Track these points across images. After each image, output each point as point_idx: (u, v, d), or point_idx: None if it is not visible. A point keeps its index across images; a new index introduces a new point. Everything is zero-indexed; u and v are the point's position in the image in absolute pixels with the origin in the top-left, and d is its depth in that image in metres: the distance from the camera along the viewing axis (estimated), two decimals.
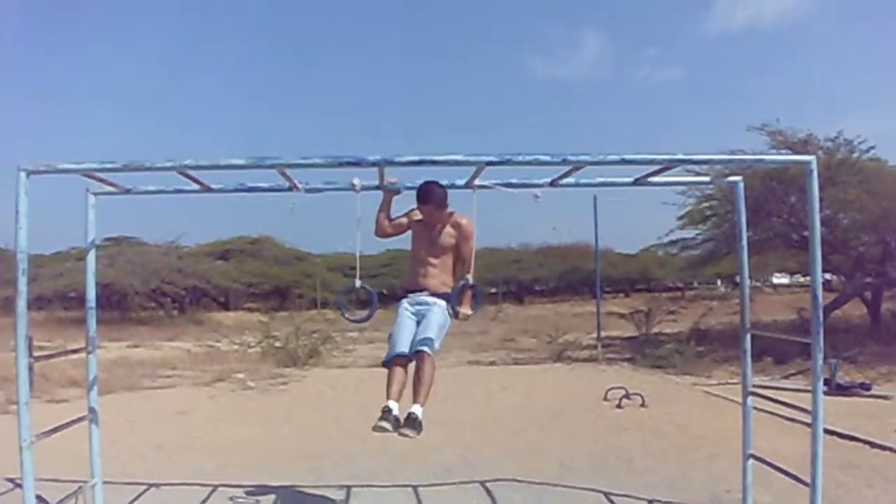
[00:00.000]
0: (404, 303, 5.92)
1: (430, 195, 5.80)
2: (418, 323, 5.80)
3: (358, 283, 5.82)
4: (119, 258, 38.56)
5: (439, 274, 5.94)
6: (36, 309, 34.70)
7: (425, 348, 5.60)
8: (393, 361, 5.66)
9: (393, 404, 5.43)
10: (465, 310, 5.83)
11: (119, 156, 5.08)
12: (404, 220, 6.11)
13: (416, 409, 5.41)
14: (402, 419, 5.36)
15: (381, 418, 5.32)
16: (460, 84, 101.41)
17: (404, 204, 6.16)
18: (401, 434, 5.33)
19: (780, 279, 43.36)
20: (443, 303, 5.85)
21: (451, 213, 5.97)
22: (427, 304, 5.84)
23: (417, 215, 6.03)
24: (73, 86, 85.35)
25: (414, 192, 5.93)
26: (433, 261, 5.92)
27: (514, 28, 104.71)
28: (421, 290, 5.90)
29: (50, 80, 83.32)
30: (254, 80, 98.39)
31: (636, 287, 60.29)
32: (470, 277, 5.77)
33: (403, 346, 5.67)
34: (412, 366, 5.67)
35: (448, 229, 5.93)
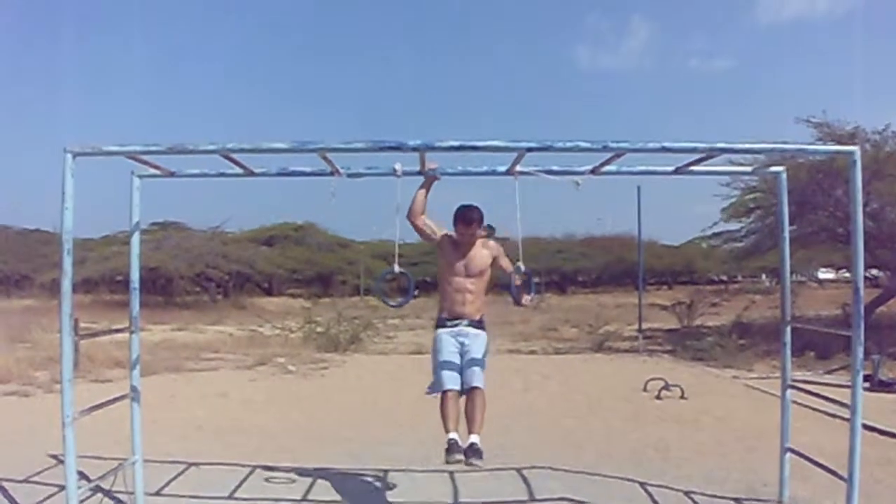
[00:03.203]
0: (445, 333, 5.92)
1: (473, 214, 5.88)
2: (461, 353, 5.82)
3: (397, 268, 5.83)
4: (165, 243, 39.03)
5: (475, 300, 5.99)
6: (83, 292, 35.36)
7: (479, 385, 5.66)
8: (445, 395, 5.67)
9: (454, 435, 5.47)
10: (527, 297, 5.88)
11: (162, 140, 5.13)
12: (437, 231, 6.09)
13: (476, 439, 5.45)
14: (464, 448, 5.41)
15: (451, 452, 5.36)
16: (505, 74, 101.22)
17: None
18: (469, 465, 5.40)
19: (825, 274, 42.62)
20: (484, 333, 5.97)
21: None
22: (469, 336, 5.88)
23: (449, 237, 6.04)
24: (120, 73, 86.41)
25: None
26: (471, 287, 5.95)
27: (561, 18, 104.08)
28: (460, 319, 5.93)
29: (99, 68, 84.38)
30: (298, 71, 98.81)
31: (680, 279, 59.91)
32: (522, 265, 5.77)
33: (454, 382, 5.68)
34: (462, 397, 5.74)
35: (482, 251, 5.99)
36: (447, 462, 5.38)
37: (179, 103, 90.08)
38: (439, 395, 5.71)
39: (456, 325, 5.91)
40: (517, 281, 5.79)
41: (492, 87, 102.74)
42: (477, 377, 5.68)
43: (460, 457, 5.31)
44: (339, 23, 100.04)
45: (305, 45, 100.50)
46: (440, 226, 6.12)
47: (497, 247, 6.09)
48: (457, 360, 5.78)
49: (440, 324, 6.00)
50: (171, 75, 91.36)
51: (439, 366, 5.79)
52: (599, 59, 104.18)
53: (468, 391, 5.67)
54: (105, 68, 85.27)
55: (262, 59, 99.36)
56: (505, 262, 6.07)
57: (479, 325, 5.98)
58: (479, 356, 5.81)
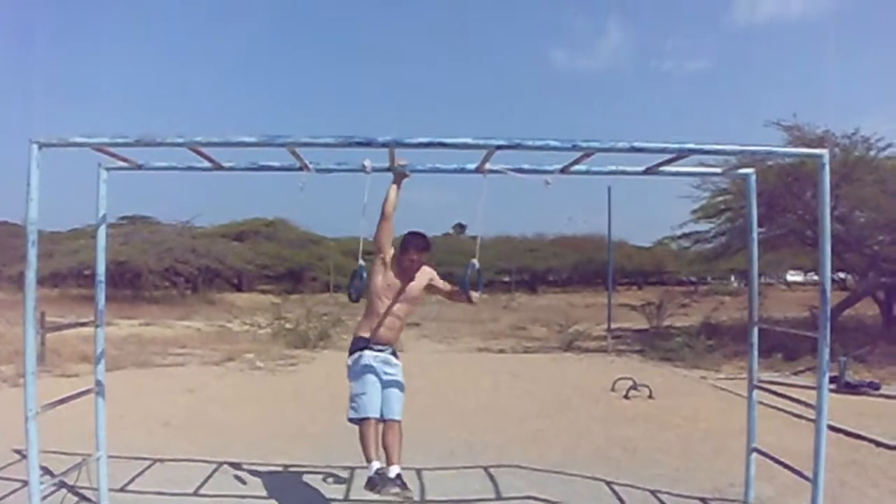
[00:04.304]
0: (370, 357, 5.76)
1: (427, 243, 5.88)
2: (382, 382, 5.69)
3: (361, 262, 5.71)
4: (134, 237, 38.75)
5: (401, 329, 5.97)
6: (51, 286, 35.02)
7: (398, 417, 5.63)
8: (367, 422, 5.52)
9: (380, 464, 5.33)
10: (475, 294, 5.78)
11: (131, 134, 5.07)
12: (392, 253, 5.85)
13: (399, 470, 5.34)
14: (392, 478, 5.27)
15: (384, 483, 5.17)
16: (481, 74, 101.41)
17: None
18: (405, 497, 5.25)
19: (794, 277, 43.02)
20: (401, 364, 5.89)
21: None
22: (392, 365, 5.80)
23: (397, 259, 5.85)
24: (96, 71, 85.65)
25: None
26: (402, 315, 5.88)
27: (538, 18, 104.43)
28: (386, 346, 5.85)
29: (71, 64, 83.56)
30: (273, 71, 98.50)
31: (649, 280, 60.32)
32: (476, 262, 5.70)
33: (376, 411, 5.55)
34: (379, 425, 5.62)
35: (420, 280, 5.89)
36: (378, 493, 5.16)
37: (157, 101, 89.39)
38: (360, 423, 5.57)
39: (382, 352, 5.80)
40: (472, 278, 5.70)
41: (467, 86, 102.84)
42: (397, 410, 5.64)
43: (396, 489, 5.17)
44: (317, 26, 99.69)
45: (287, 43, 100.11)
46: (396, 256, 5.92)
47: (431, 271, 5.99)
48: (378, 388, 5.65)
49: (363, 346, 5.82)
50: (149, 73, 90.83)
51: (362, 394, 5.62)
52: (575, 60, 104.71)
53: (387, 422, 5.58)
54: (79, 62, 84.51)
55: (250, 58, 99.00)
56: (441, 283, 6.02)
57: (396, 355, 5.93)
58: (401, 389, 5.76)
